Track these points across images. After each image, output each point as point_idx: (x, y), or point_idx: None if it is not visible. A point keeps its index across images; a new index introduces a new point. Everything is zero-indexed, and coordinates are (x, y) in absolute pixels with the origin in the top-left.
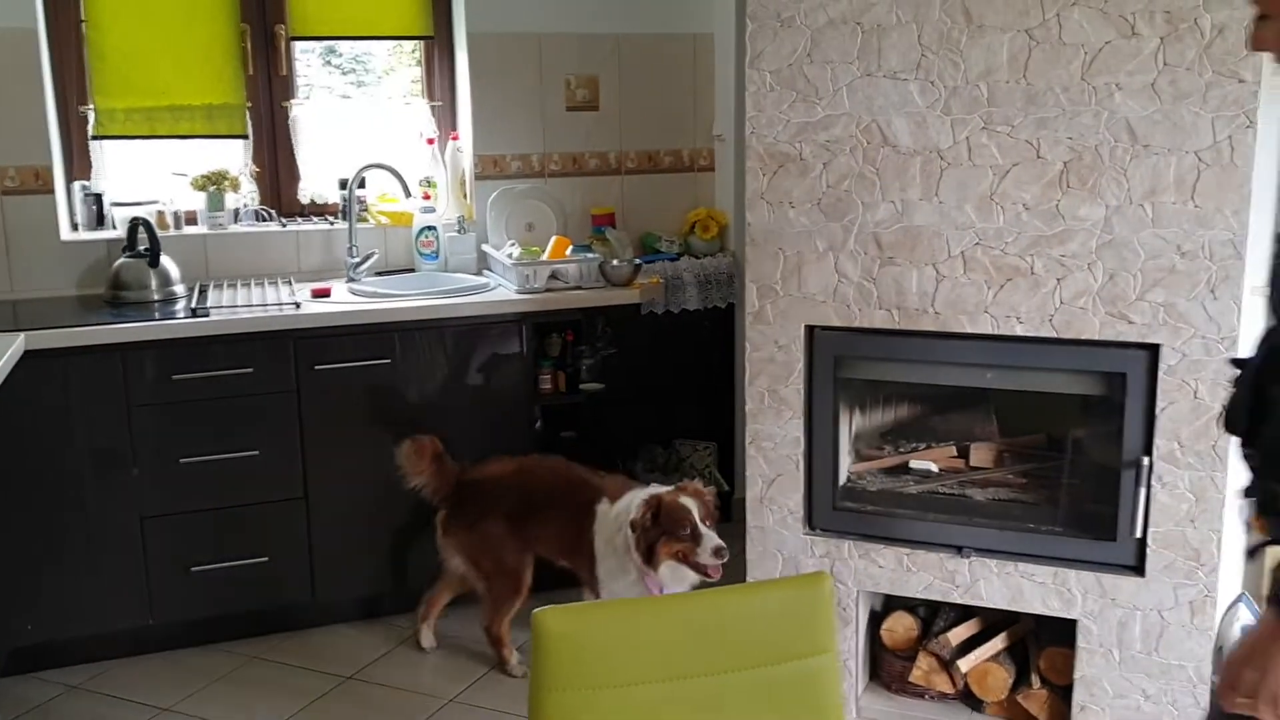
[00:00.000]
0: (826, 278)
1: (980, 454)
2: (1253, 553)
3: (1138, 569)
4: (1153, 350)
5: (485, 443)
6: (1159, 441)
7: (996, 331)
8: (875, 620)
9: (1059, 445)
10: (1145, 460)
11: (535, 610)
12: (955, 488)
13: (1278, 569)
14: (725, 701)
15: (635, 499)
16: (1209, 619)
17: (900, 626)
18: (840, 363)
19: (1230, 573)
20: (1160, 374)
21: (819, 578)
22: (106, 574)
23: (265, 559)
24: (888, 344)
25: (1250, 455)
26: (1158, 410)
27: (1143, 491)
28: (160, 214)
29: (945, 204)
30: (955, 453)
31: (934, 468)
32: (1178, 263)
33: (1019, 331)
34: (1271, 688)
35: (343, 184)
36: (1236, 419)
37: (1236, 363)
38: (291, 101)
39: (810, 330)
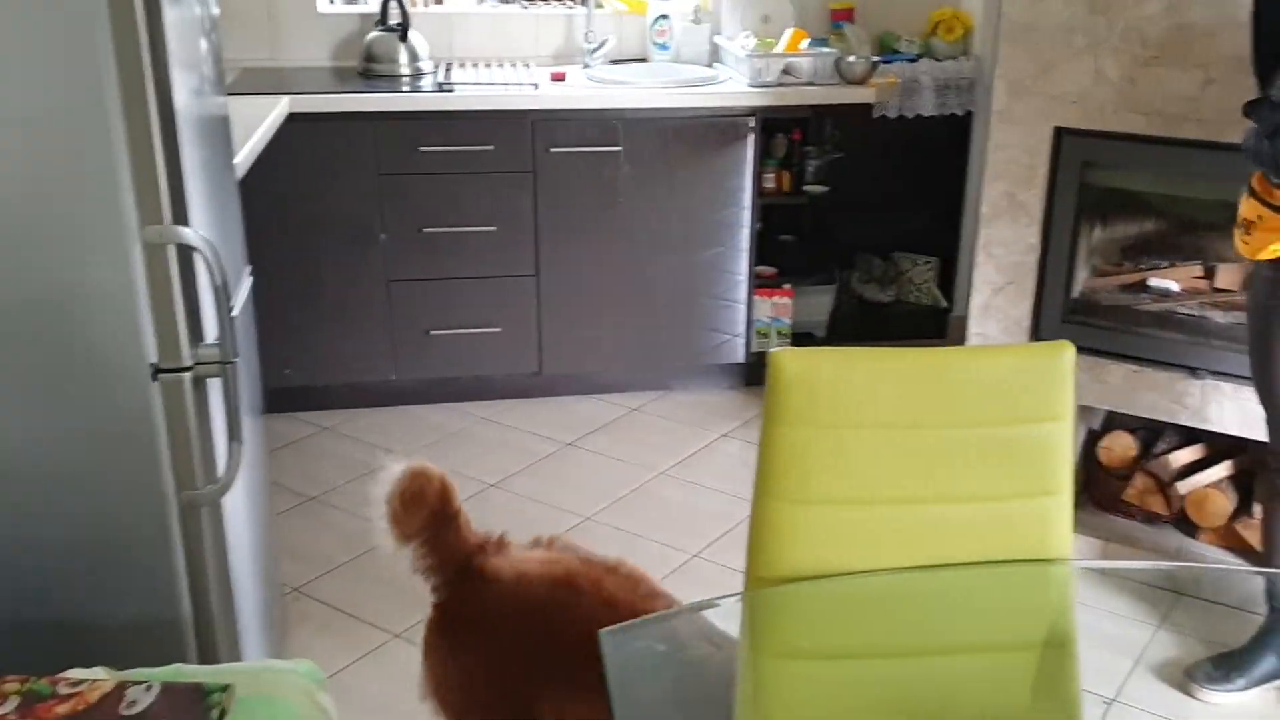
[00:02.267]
0: (1083, 77)
1: (1227, 275)
2: None
3: None
4: None
5: (706, 237)
6: None
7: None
8: (1092, 439)
9: None
10: None
11: (772, 350)
12: (1195, 309)
13: None
14: (953, 454)
15: None
16: None
17: (1118, 445)
18: (1088, 169)
19: None
20: None
21: (1061, 345)
22: (356, 330)
23: (498, 329)
24: (1144, 151)
25: None
26: None
27: None
28: None
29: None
30: (1201, 273)
31: (1175, 287)
32: None
33: None
34: None
35: None
36: None
37: None
38: None
39: (1059, 132)
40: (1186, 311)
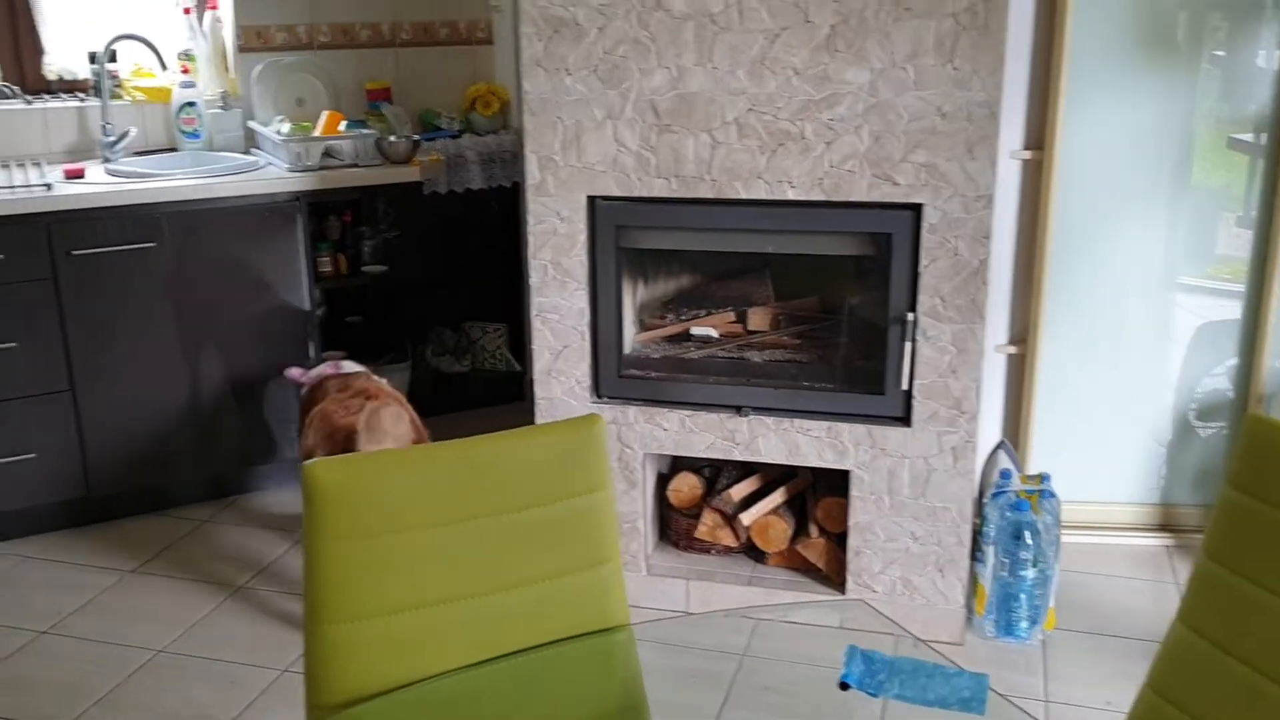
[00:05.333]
0: (606, 147)
1: (757, 318)
2: None
3: (904, 420)
4: (916, 210)
5: (263, 328)
6: (922, 297)
7: (770, 197)
8: (663, 483)
9: (832, 307)
10: (910, 316)
11: (305, 462)
12: (734, 351)
13: None
14: (504, 542)
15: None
16: (970, 463)
17: (686, 486)
18: (622, 232)
19: (990, 420)
20: (923, 232)
21: (591, 419)
22: None
23: (33, 455)
24: (667, 212)
25: None
26: (921, 267)
27: (908, 346)
28: None
29: (719, 69)
30: (734, 318)
31: (714, 333)
32: (938, 124)
33: (791, 196)
34: None
35: (92, 57)
36: None
37: None
38: None
39: (591, 200)
40: (727, 355)
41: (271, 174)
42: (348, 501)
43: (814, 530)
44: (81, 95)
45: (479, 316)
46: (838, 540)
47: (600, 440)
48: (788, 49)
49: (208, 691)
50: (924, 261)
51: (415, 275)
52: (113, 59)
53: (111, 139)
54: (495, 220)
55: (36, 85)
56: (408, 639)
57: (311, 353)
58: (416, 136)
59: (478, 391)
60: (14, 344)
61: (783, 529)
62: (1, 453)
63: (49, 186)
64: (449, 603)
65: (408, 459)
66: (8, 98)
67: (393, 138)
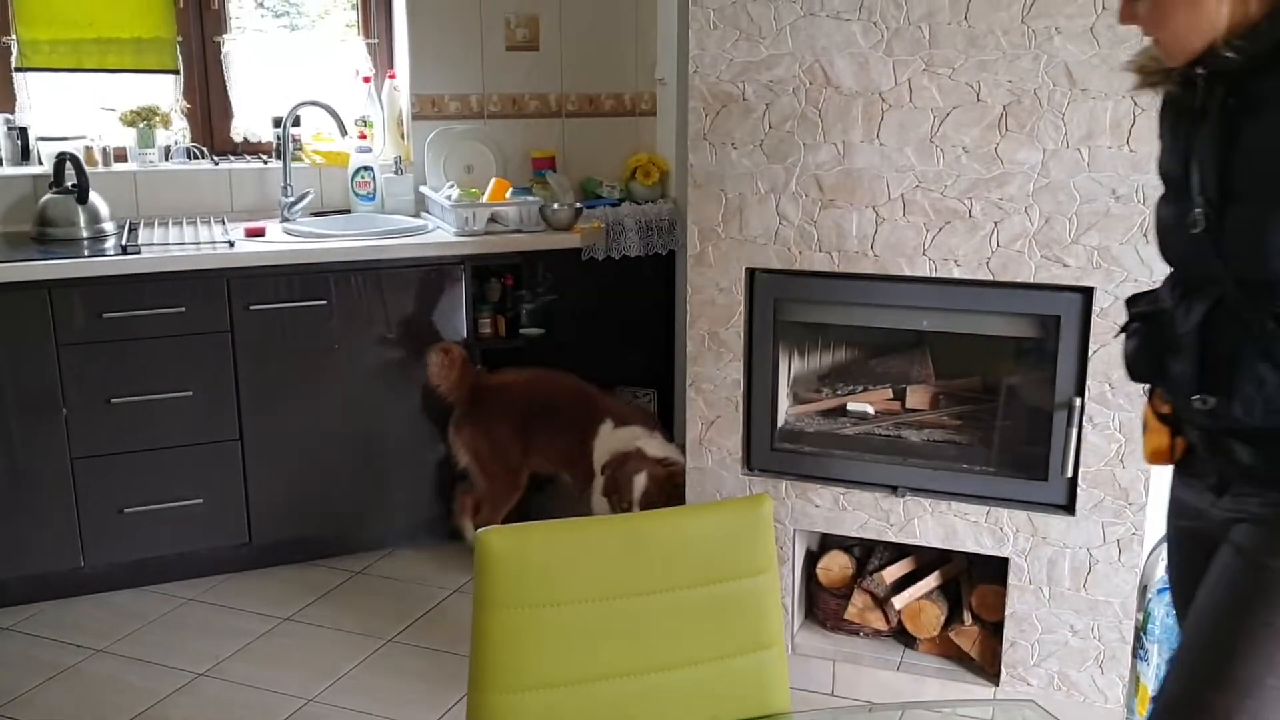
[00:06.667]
0: (768, 220)
1: (916, 396)
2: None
3: (1068, 508)
4: (1086, 293)
5: (425, 386)
6: (1090, 383)
7: (934, 274)
8: (811, 560)
9: (993, 388)
10: (1077, 401)
11: (478, 531)
12: (891, 429)
13: None
14: (667, 619)
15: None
16: (1136, 556)
17: (835, 565)
18: (780, 305)
19: (1158, 511)
20: (1093, 316)
21: (759, 499)
22: (37, 516)
23: (199, 500)
24: (827, 287)
25: (1199, 400)
26: (1090, 352)
27: (1074, 432)
28: (88, 150)
29: (886, 146)
30: (891, 395)
31: (870, 410)
32: (1112, 206)
33: (956, 274)
34: None
35: (276, 122)
36: (1143, 365)
37: (1136, 306)
38: (224, 36)
39: (751, 273)
40: (883, 432)
41: (439, 237)
42: (517, 570)
43: (968, 617)
44: (264, 157)
45: (630, 381)
46: (992, 629)
47: (768, 522)
48: (958, 127)
49: None
50: (1093, 346)
51: (570, 339)
52: (295, 123)
53: (291, 199)
54: (649, 287)
55: (224, 147)
56: (565, 714)
57: None
58: (579, 204)
59: None
60: (189, 392)
61: (935, 614)
62: (171, 498)
63: (231, 244)
64: (609, 679)
65: (577, 529)
66: (197, 158)
67: (556, 205)
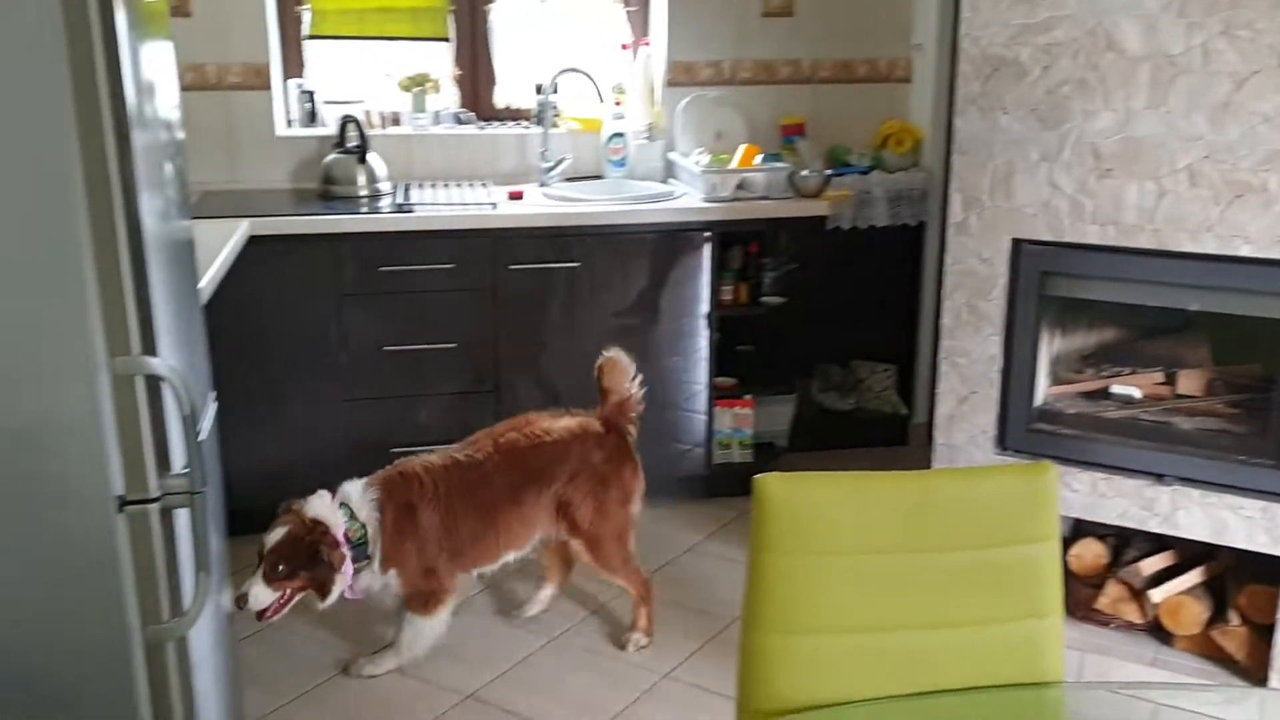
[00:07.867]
0: (1038, 189)
1: (1189, 381)
2: None
3: None
4: None
5: (665, 348)
6: None
7: (1220, 252)
8: (1062, 548)
9: (1276, 376)
10: None
11: (757, 476)
12: (1159, 415)
13: None
14: (944, 578)
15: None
16: None
17: (1089, 553)
18: (1046, 279)
19: None
20: None
21: (1043, 467)
22: (314, 449)
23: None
24: (1100, 261)
25: None
26: None
27: None
28: (367, 114)
29: (1173, 113)
30: (1162, 379)
31: (1137, 393)
32: None
33: (1244, 252)
34: None
35: (538, 88)
36: None
37: None
38: (491, 4)
39: (1017, 244)
40: (1151, 418)
41: (687, 203)
42: (794, 517)
43: (1234, 617)
44: (525, 123)
45: (869, 356)
46: (1262, 632)
47: (1053, 489)
48: (1257, 95)
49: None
50: None
51: (811, 309)
52: (555, 90)
53: (548, 165)
54: (896, 259)
55: (488, 113)
56: (835, 660)
57: (703, 376)
58: (827, 171)
59: (860, 431)
60: (454, 344)
61: (1197, 612)
62: (434, 439)
63: (494, 205)
64: (880, 631)
65: (856, 482)
66: (464, 123)
67: (805, 172)
